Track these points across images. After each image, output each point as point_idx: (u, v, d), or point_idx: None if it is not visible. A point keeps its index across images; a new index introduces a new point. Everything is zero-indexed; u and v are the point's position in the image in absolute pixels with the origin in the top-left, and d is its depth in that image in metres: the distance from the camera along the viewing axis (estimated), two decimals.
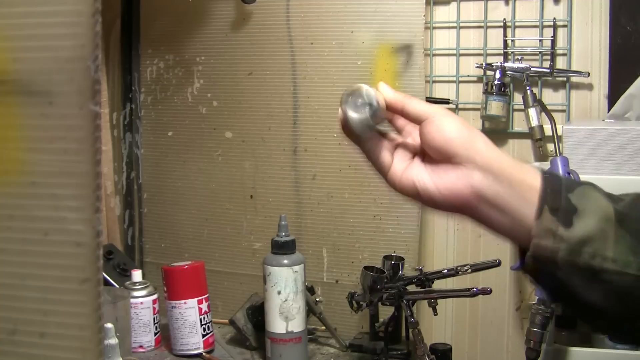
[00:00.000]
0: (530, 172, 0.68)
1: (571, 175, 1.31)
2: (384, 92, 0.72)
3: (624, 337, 1.19)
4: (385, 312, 1.42)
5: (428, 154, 0.71)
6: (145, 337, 1.47)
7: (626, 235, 0.65)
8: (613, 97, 1.50)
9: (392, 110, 0.73)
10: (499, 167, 0.67)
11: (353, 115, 0.71)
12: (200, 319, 1.45)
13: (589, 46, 1.53)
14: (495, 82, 1.53)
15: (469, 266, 1.33)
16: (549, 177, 0.68)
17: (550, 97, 1.56)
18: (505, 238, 0.70)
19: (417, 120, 0.71)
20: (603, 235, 0.65)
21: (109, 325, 1.20)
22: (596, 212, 0.65)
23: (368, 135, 0.72)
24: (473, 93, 1.61)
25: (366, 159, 0.74)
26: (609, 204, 0.66)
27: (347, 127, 0.72)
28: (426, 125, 0.70)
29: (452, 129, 0.69)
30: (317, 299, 1.51)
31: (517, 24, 1.56)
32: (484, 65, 1.56)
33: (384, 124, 0.74)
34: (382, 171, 0.74)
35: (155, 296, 1.49)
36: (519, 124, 1.58)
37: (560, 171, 1.32)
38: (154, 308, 1.48)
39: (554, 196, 0.66)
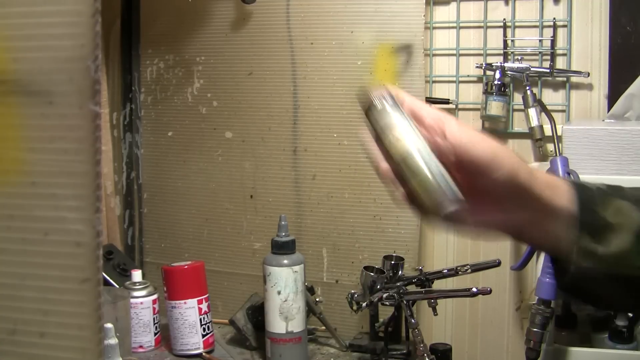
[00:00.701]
0: (559, 187, 0.69)
1: (571, 175, 1.31)
2: (399, 95, 0.70)
3: (623, 334, 1.22)
4: (385, 312, 1.42)
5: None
6: (145, 337, 1.47)
7: None
8: (613, 97, 1.50)
9: (408, 113, 0.70)
10: (529, 193, 0.67)
11: (380, 120, 0.69)
12: (200, 319, 1.45)
13: (589, 46, 1.53)
14: (495, 82, 1.53)
15: (469, 266, 1.33)
16: (578, 191, 0.68)
17: (550, 97, 1.56)
18: (536, 247, 0.72)
19: (434, 121, 0.68)
20: (638, 247, 0.66)
21: (109, 325, 1.20)
22: (629, 226, 0.67)
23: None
24: (473, 93, 1.61)
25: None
26: (638, 212, 0.68)
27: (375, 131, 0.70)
28: (452, 130, 0.67)
29: (476, 141, 0.66)
30: (317, 299, 1.52)
31: (517, 24, 1.56)
32: (484, 65, 1.56)
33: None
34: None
35: (155, 296, 1.49)
36: (518, 124, 1.58)
37: (560, 171, 1.32)
38: (154, 308, 1.48)
39: (584, 212, 0.67)
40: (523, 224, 0.68)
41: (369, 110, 0.70)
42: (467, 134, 0.66)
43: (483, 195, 0.67)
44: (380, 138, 0.69)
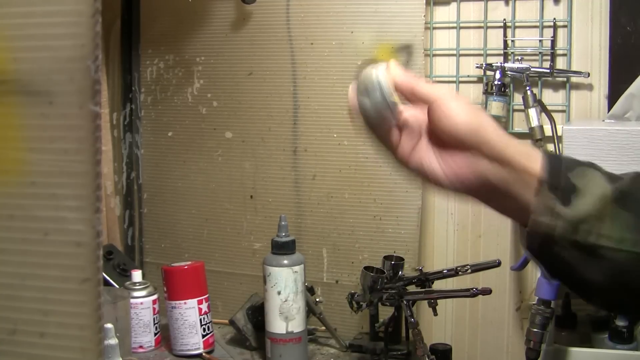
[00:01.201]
0: (534, 154, 0.69)
1: None
2: (394, 73, 0.72)
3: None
4: (385, 313, 1.42)
5: (435, 134, 0.71)
6: (145, 337, 1.47)
7: (623, 212, 0.66)
8: (613, 97, 1.50)
9: (401, 92, 0.72)
10: (504, 154, 0.68)
11: (365, 100, 0.71)
12: (200, 319, 1.45)
13: (589, 46, 1.53)
14: (495, 82, 1.53)
15: (469, 266, 1.33)
16: (550, 157, 0.69)
17: (550, 97, 1.56)
18: (510, 219, 0.72)
19: (425, 102, 0.71)
20: (600, 213, 0.66)
21: (109, 325, 1.20)
22: (594, 191, 0.67)
23: (379, 118, 0.72)
24: (473, 93, 1.61)
25: (375, 137, 0.74)
26: (607, 183, 0.68)
27: (359, 111, 0.73)
28: (434, 109, 0.70)
29: (460, 114, 0.69)
30: (317, 299, 1.52)
31: (517, 24, 1.56)
32: (484, 65, 1.56)
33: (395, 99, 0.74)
34: (390, 148, 0.74)
35: (155, 296, 1.49)
36: (519, 125, 1.58)
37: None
38: (154, 308, 1.48)
39: (554, 175, 0.68)
40: (489, 172, 0.69)
41: (360, 73, 0.72)
42: (450, 117, 0.69)
43: (454, 149, 0.69)
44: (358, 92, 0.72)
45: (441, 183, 0.70)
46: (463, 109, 0.69)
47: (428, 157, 0.71)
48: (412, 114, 0.72)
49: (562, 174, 0.68)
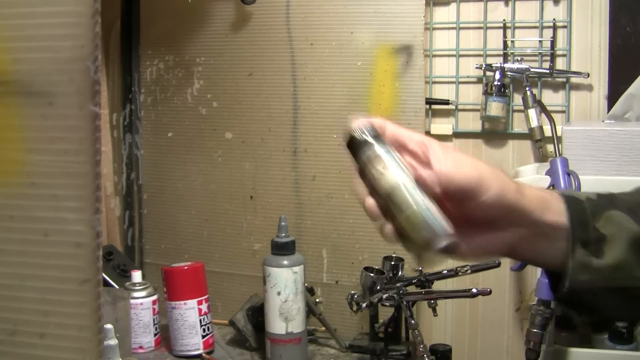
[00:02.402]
0: (554, 204, 0.69)
1: (571, 176, 1.31)
2: (382, 125, 0.70)
3: (623, 334, 1.22)
4: (385, 313, 1.42)
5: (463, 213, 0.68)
6: (145, 337, 1.47)
7: None
8: (613, 98, 1.50)
9: (391, 142, 0.69)
10: (521, 211, 0.67)
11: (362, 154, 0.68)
12: (200, 320, 1.45)
13: (589, 47, 1.53)
14: (495, 83, 1.53)
15: (468, 267, 1.33)
16: (572, 207, 0.68)
17: (550, 97, 1.56)
18: (536, 266, 0.72)
19: (418, 147, 0.68)
20: (633, 257, 0.66)
21: (109, 326, 1.19)
22: (623, 236, 0.67)
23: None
24: (473, 94, 1.61)
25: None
26: (634, 222, 0.68)
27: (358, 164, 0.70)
28: (435, 156, 0.67)
29: (461, 167, 0.66)
30: (317, 300, 1.51)
31: (516, 24, 1.56)
32: (484, 66, 1.56)
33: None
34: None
35: (155, 297, 1.49)
36: (518, 125, 1.58)
37: (560, 172, 1.32)
38: (154, 309, 1.48)
39: (582, 229, 0.67)
40: (516, 242, 0.68)
41: (350, 143, 0.68)
42: (451, 160, 0.66)
43: (473, 219, 0.67)
44: (364, 172, 0.68)
45: (465, 257, 0.70)
46: (463, 161, 0.67)
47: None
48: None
49: (589, 227, 0.67)
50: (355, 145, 0.68)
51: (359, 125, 0.68)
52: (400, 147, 0.68)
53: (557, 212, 0.68)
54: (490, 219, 0.67)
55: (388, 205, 0.65)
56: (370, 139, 0.67)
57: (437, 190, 0.65)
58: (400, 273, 1.38)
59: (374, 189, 0.67)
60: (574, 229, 0.67)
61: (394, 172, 0.65)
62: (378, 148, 0.66)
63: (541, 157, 1.54)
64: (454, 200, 0.66)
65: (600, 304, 0.68)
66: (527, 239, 0.68)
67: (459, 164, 0.66)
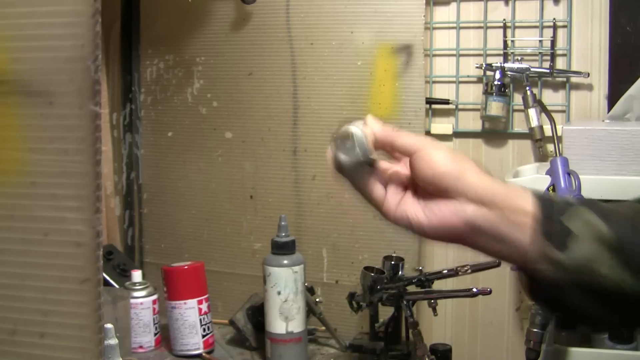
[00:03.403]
0: (523, 196, 0.69)
1: (571, 176, 1.31)
2: (372, 128, 0.72)
3: (622, 334, 1.22)
4: (385, 313, 1.42)
5: (420, 186, 0.71)
6: (145, 337, 1.47)
7: (620, 252, 0.66)
8: (613, 98, 1.50)
9: (382, 146, 0.73)
10: (491, 197, 0.68)
11: (343, 157, 0.72)
12: (200, 320, 1.45)
13: (589, 46, 1.53)
14: (495, 82, 1.53)
15: (468, 266, 1.33)
16: (541, 201, 0.68)
17: (550, 97, 1.56)
18: (504, 261, 0.72)
19: (406, 154, 0.71)
20: (598, 255, 0.66)
21: (109, 325, 1.19)
22: (589, 233, 0.67)
23: (360, 174, 0.74)
24: (473, 93, 1.61)
25: (359, 193, 0.77)
26: (602, 223, 0.67)
27: (338, 168, 0.74)
28: (416, 159, 0.70)
29: (442, 163, 0.69)
30: (317, 300, 1.51)
31: (517, 24, 1.56)
32: (484, 65, 1.56)
33: (374, 155, 0.74)
34: (376, 205, 0.75)
35: (155, 296, 1.49)
36: (519, 125, 1.58)
37: (560, 172, 1.32)
38: (154, 308, 1.48)
39: (547, 221, 0.67)
40: (483, 226, 0.68)
41: (337, 130, 0.73)
42: (430, 166, 0.69)
43: (439, 198, 0.69)
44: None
45: (428, 234, 0.71)
46: (444, 157, 0.69)
47: (414, 209, 0.71)
48: (395, 170, 0.73)
49: (554, 218, 0.67)
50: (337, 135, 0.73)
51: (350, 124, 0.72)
52: (391, 149, 0.73)
53: (523, 200, 0.68)
54: (438, 189, 0.69)
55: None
56: (352, 127, 0.72)
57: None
58: (400, 273, 1.38)
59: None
60: (543, 223, 0.67)
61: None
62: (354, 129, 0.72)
63: (541, 157, 1.54)
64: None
65: (573, 302, 0.68)
66: (487, 217, 0.68)
67: (437, 169, 0.69)
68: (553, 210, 0.68)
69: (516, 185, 0.72)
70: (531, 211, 0.67)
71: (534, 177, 1.39)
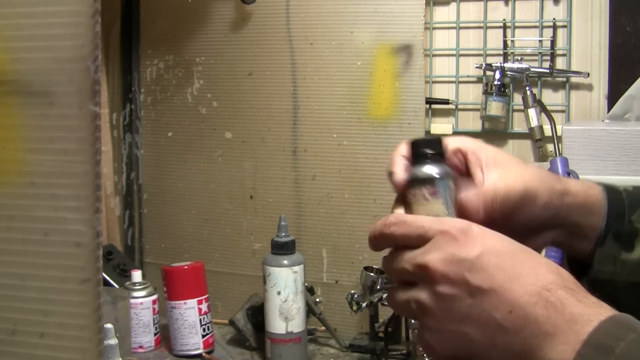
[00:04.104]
0: (596, 200, 0.67)
1: (571, 175, 1.31)
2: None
3: None
4: (385, 313, 1.42)
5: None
6: (145, 337, 1.47)
7: None
8: (613, 98, 1.50)
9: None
10: (571, 218, 0.67)
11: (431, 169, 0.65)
12: (200, 320, 1.45)
13: (589, 46, 1.53)
14: (495, 82, 1.53)
15: None
16: (613, 199, 0.67)
17: (550, 97, 1.56)
18: (561, 248, 0.70)
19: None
20: None
21: (109, 325, 1.20)
22: None
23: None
24: (473, 93, 1.61)
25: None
26: None
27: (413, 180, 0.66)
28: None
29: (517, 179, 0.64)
30: (317, 300, 1.51)
31: (516, 24, 1.56)
32: (484, 65, 1.56)
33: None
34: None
35: (155, 296, 1.49)
36: (518, 125, 1.58)
37: (560, 172, 1.32)
38: (154, 308, 1.48)
39: (618, 221, 0.66)
40: (556, 240, 0.68)
41: (415, 151, 0.66)
42: (494, 174, 0.63)
43: (517, 227, 0.64)
44: (411, 184, 0.66)
45: None
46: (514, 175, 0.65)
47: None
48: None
49: (625, 219, 0.66)
50: (418, 156, 0.66)
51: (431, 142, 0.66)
52: (460, 155, 0.67)
53: (597, 213, 0.67)
54: (535, 225, 0.65)
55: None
56: (435, 160, 0.65)
57: (480, 215, 0.63)
58: None
59: (406, 200, 0.67)
60: (609, 219, 0.66)
61: (435, 205, 0.64)
62: (437, 170, 0.64)
63: (541, 157, 1.54)
64: (502, 213, 0.64)
65: (620, 297, 0.65)
66: (564, 235, 0.67)
67: (502, 176, 0.63)
68: (624, 209, 0.66)
69: (582, 182, 0.70)
70: (602, 219, 0.66)
71: None
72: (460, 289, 0.55)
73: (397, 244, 0.65)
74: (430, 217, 0.61)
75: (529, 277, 0.54)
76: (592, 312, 0.52)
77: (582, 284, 0.67)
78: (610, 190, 0.68)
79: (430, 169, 0.64)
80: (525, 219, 0.64)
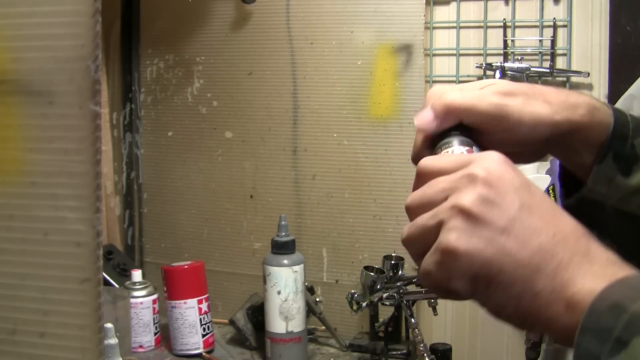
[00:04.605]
0: (603, 109, 0.65)
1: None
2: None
3: None
4: (385, 312, 1.42)
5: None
6: (145, 337, 1.47)
7: None
8: (613, 97, 1.50)
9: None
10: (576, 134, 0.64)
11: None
12: (200, 319, 1.45)
13: (589, 46, 1.53)
14: None
15: None
16: (619, 119, 0.65)
17: None
18: (563, 161, 0.68)
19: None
20: None
21: (109, 325, 1.19)
22: None
23: None
24: None
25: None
26: None
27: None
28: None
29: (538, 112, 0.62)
30: (317, 299, 1.52)
31: (517, 24, 1.56)
32: (484, 65, 1.56)
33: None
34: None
35: (155, 296, 1.49)
36: None
37: (559, 171, 1.32)
38: (154, 308, 1.48)
39: (620, 142, 0.64)
40: (555, 151, 0.67)
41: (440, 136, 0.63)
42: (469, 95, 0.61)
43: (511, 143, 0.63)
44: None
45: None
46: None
47: None
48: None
49: (627, 142, 0.64)
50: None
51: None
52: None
53: (603, 131, 0.64)
54: (540, 138, 0.63)
55: None
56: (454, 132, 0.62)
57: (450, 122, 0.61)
58: (400, 272, 1.38)
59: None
60: (613, 138, 0.64)
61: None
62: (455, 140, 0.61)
63: None
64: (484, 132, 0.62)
65: (605, 222, 0.65)
66: (564, 147, 0.65)
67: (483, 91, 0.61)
68: (629, 132, 0.64)
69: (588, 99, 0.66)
70: (610, 124, 0.64)
71: (534, 176, 1.39)
72: (507, 200, 0.51)
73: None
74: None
75: (568, 218, 0.53)
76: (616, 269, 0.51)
77: (570, 203, 0.66)
78: (617, 111, 0.66)
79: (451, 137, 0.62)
80: (510, 141, 0.63)
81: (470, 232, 0.50)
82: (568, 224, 0.53)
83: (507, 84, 0.62)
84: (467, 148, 0.60)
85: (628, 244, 0.65)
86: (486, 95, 0.61)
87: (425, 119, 0.62)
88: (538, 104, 0.62)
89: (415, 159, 0.62)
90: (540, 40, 1.55)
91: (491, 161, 0.53)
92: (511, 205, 0.51)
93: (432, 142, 0.63)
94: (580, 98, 0.64)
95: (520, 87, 0.62)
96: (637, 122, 0.66)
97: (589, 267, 0.50)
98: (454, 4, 1.59)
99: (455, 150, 0.60)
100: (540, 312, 0.50)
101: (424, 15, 1.50)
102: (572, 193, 0.68)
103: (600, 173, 0.64)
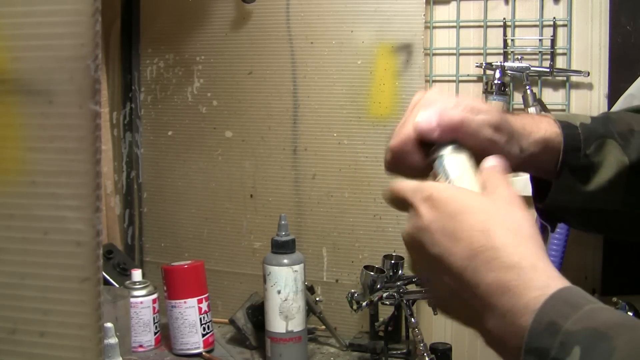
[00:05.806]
0: (551, 125, 0.71)
1: None
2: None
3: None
4: (385, 312, 1.42)
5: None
6: (145, 336, 1.47)
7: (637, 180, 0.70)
8: (613, 97, 1.50)
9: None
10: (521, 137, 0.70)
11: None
12: (200, 319, 1.45)
13: (589, 46, 1.53)
14: (495, 81, 1.53)
15: None
16: (569, 135, 0.70)
17: (550, 96, 1.56)
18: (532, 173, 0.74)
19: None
20: (616, 185, 0.69)
21: (109, 324, 1.20)
22: (611, 165, 0.70)
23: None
24: (473, 92, 1.61)
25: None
26: (623, 154, 0.70)
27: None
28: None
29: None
30: (317, 299, 1.51)
31: (517, 23, 1.56)
32: (484, 64, 1.56)
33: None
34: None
35: (155, 295, 1.49)
36: None
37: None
38: (154, 307, 1.48)
39: (574, 155, 0.70)
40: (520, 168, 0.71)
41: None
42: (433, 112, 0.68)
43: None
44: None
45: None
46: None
47: None
48: None
49: (580, 154, 0.70)
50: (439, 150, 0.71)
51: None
52: None
53: (555, 149, 0.70)
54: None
55: None
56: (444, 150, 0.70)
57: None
58: (400, 272, 1.38)
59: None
60: (566, 154, 0.70)
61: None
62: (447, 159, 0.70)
63: None
64: None
65: (574, 221, 0.72)
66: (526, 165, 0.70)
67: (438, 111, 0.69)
68: (579, 144, 0.70)
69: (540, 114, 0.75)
70: (558, 145, 0.70)
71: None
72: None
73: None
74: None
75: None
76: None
77: (539, 207, 0.73)
78: (566, 127, 0.72)
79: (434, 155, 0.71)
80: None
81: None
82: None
83: (498, 118, 0.69)
84: (461, 155, 0.68)
85: (600, 230, 0.73)
86: (484, 128, 0.68)
87: (428, 123, 0.68)
88: (515, 143, 0.69)
89: (401, 154, 0.76)
90: (540, 40, 1.55)
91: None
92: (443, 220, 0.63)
93: (423, 143, 0.71)
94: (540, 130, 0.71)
95: (505, 125, 0.69)
96: (587, 131, 0.72)
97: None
98: (453, 4, 1.59)
99: (448, 164, 0.68)
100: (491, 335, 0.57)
101: (424, 15, 1.50)
102: (545, 191, 0.73)
103: (560, 186, 0.70)
